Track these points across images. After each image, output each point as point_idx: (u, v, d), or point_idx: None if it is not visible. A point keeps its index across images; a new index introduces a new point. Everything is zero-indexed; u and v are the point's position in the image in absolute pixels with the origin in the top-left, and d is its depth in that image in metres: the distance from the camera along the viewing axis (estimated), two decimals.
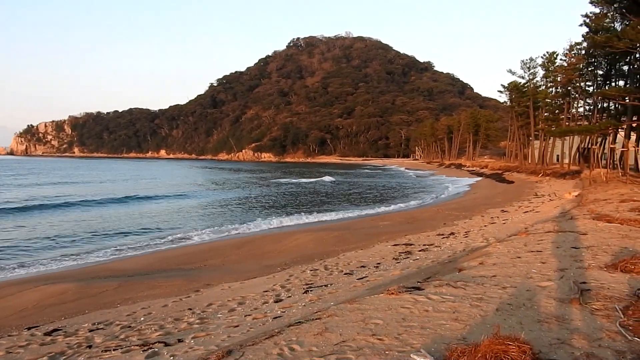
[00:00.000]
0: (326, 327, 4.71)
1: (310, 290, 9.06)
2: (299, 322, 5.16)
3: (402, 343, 4.19)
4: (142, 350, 6.11)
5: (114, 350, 6.35)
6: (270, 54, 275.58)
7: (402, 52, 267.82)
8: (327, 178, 68.12)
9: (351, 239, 17.26)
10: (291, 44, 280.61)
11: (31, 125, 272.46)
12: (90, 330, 7.65)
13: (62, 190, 42.83)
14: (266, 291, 9.60)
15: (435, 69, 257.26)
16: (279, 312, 7.52)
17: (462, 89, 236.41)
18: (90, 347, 6.67)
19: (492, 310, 5.01)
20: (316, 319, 5.13)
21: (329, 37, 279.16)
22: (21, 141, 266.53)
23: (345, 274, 10.67)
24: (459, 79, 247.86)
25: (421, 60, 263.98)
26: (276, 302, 8.45)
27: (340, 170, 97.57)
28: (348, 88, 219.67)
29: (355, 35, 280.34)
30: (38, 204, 29.69)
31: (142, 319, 8.23)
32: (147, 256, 15.99)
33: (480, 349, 3.64)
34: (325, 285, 9.40)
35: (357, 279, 9.58)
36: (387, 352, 3.99)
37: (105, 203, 31.88)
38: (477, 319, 4.74)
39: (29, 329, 8.17)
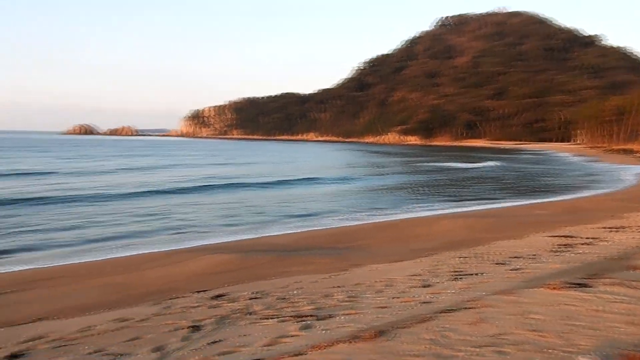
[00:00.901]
0: (481, 317, 4.55)
1: (460, 278, 8.80)
2: (451, 309, 5.06)
3: (567, 342, 3.89)
4: (296, 322, 6.45)
5: (270, 318, 6.79)
6: (417, 35, 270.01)
7: (563, 25, 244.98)
8: (491, 163, 63.74)
9: (503, 227, 16.42)
10: (439, 23, 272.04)
11: (198, 110, 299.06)
12: (250, 299, 8.25)
13: (228, 170, 46.33)
14: (413, 275, 9.53)
15: (602, 43, 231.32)
16: (427, 297, 7.43)
17: (636, 64, 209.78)
18: (250, 313, 7.20)
19: None
20: (470, 307, 4.98)
21: (480, 14, 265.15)
22: (189, 124, 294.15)
23: (497, 263, 10.18)
24: (632, 53, 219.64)
25: (586, 33, 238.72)
26: (424, 287, 8.35)
27: (494, 155, 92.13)
28: (500, 67, 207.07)
29: (510, 10, 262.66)
30: (207, 184, 32.12)
31: (294, 292, 8.67)
32: (298, 234, 16.83)
33: None
34: (475, 274, 9.07)
35: (511, 270, 9.10)
36: (549, 350, 3.73)
37: (266, 184, 33.69)
38: None
39: (198, 292, 9.07)
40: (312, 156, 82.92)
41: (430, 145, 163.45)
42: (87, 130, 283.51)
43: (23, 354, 5.90)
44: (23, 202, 22.46)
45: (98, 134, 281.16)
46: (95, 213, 20.45)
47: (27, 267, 12.40)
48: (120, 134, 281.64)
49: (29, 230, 16.64)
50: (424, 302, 6.95)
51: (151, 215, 20.22)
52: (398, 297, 7.58)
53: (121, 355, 5.63)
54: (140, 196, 25.80)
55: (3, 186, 28.79)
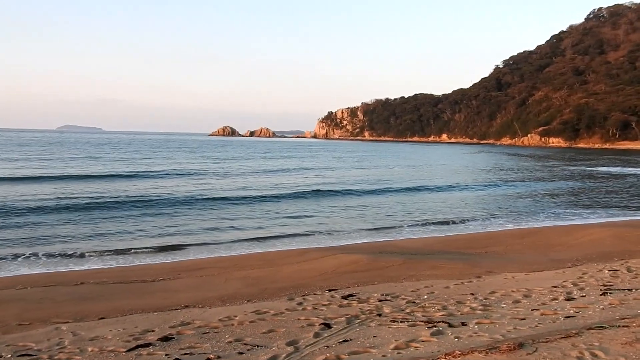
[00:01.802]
0: (637, 337, 4.09)
1: (610, 293, 8.04)
2: (601, 326, 4.62)
3: None
4: (427, 327, 6.32)
5: (400, 322, 6.73)
6: (564, 29, 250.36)
7: None
8: None
9: None
10: (591, 16, 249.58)
11: (331, 111, 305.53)
12: (380, 300, 8.25)
13: (364, 174, 45.47)
14: (555, 287, 8.88)
15: None
16: (571, 311, 6.90)
17: None
18: (379, 315, 7.20)
19: None
20: (623, 326, 4.51)
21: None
22: (322, 126, 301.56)
23: None
24: None
25: None
26: (567, 300, 7.76)
27: None
28: None
29: None
30: (345, 189, 31.80)
31: (425, 296, 8.51)
32: (430, 238, 16.55)
33: None
34: (629, 290, 8.22)
35: None
36: None
37: (404, 190, 32.44)
38: None
39: (329, 290, 9.27)
40: (449, 159, 77.97)
41: (577, 148, 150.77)
42: (230, 132, 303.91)
43: (173, 337, 6.47)
44: (177, 201, 24.35)
45: (239, 135, 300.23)
46: (236, 213, 21.83)
47: (177, 259, 13.64)
48: (258, 136, 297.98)
49: (180, 230, 18.02)
50: (568, 317, 6.45)
51: (289, 217, 20.94)
52: (537, 309, 7.13)
53: (258, 346, 5.94)
54: (279, 199, 26.56)
55: (166, 185, 31.87)
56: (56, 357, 5.85)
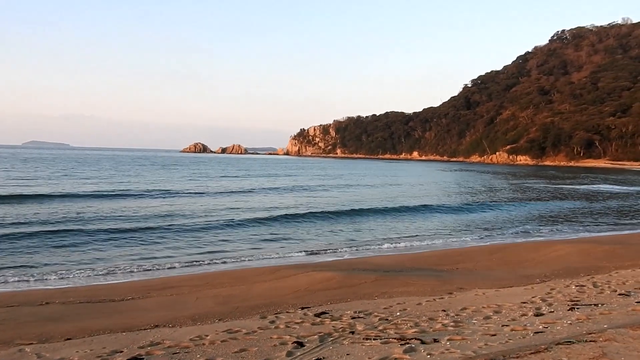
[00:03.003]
0: (604, 352, 4.18)
1: (577, 308, 8.20)
2: (569, 341, 4.71)
3: None
4: (400, 344, 6.34)
5: (373, 339, 6.72)
6: (530, 50, 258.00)
7: None
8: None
9: (626, 255, 15.09)
10: (555, 37, 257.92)
11: (303, 129, 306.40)
12: (352, 318, 8.25)
13: (339, 196, 45.64)
14: (524, 302, 9.03)
15: None
16: (540, 326, 7.01)
17: None
18: (352, 333, 7.19)
19: None
20: (590, 341, 4.60)
21: (600, 26, 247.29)
22: (295, 143, 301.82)
23: (619, 294, 9.35)
24: None
25: None
26: (536, 315, 7.88)
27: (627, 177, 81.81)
28: (624, 82, 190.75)
29: (635, 21, 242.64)
30: (322, 210, 30.17)
31: (397, 313, 8.54)
32: (402, 255, 16.64)
33: None
34: (595, 305, 8.40)
35: (637, 302, 8.31)
36: None
37: (378, 210, 30.99)
38: None
39: (302, 308, 9.22)
40: (427, 178, 76.39)
41: (544, 166, 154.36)
42: (201, 149, 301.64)
43: (142, 358, 6.33)
44: (146, 226, 23.40)
45: (211, 152, 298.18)
46: (211, 235, 21.50)
47: (147, 278, 13.38)
48: (230, 152, 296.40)
49: (146, 254, 17.68)
50: (537, 332, 6.55)
51: (264, 240, 20.27)
52: (508, 325, 7.22)
53: None
54: (256, 221, 25.09)
55: (140, 204, 31.01)
56: None
